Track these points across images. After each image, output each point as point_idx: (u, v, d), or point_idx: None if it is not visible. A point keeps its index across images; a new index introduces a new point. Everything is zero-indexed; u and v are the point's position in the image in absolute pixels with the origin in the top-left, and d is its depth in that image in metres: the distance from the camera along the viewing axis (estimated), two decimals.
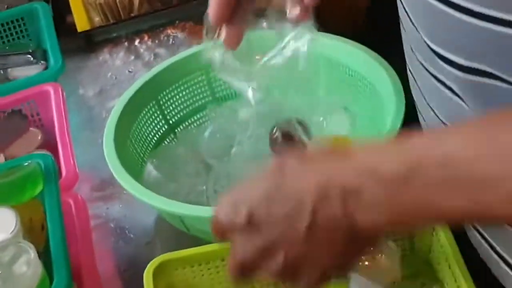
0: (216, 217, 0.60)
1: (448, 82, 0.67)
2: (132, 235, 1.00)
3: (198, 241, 0.92)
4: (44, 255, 0.86)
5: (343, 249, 0.56)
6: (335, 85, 1.04)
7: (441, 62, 0.65)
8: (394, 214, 0.52)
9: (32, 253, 0.79)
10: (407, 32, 0.72)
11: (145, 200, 0.87)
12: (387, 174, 0.51)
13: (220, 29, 0.74)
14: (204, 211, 0.84)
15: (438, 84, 0.68)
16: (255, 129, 1.02)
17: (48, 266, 0.83)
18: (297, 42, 0.76)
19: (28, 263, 0.78)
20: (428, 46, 0.66)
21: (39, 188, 0.89)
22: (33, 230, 0.90)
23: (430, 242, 0.83)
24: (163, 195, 0.91)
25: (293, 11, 0.72)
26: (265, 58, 0.78)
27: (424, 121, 0.78)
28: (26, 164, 0.90)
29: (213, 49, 0.77)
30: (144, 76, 1.05)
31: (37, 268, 0.79)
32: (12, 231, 0.82)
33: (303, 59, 0.77)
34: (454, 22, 0.60)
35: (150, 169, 0.97)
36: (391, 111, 0.91)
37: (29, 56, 1.22)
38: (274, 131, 0.95)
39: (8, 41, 1.32)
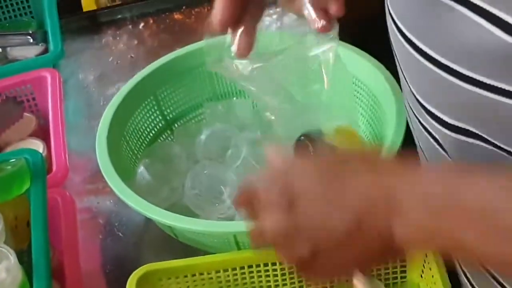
0: (253, 185, 0.58)
1: (433, 133, 0.65)
2: (120, 234, 0.98)
3: (187, 247, 0.91)
4: (28, 253, 0.85)
5: (372, 256, 0.56)
6: (338, 93, 1.01)
7: (427, 115, 0.63)
8: (431, 235, 0.52)
9: (12, 259, 0.78)
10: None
11: (133, 207, 0.85)
12: (432, 196, 0.51)
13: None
14: (193, 223, 0.82)
15: (425, 133, 0.66)
16: (253, 132, 1.00)
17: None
18: (320, 50, 0.73)
19: (7, 270, 0.76)
20: (415, 97, 0.63)
21: (26, 186, 0.87)
22: (18, 228, 0.88)
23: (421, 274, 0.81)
24: (154, 198, 0.90)
25: (318, 21, 0.68)
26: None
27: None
28: (14, 160, 0.87)
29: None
30: (143, 70, 1.03)
31: (17, 274, 0.77)
32: None
33: (328, 68, 0.74)
34: (441, 81, 0.57)
35: (142, 170, 0.95)
36: (393, 125, 0.88)
37: (29, 37, 1.19)
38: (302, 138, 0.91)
39: (10, 17, 1.30)
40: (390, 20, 0.66)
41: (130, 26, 1.33)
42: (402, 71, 0.67)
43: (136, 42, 1.29)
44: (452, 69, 0.57)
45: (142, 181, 0.94)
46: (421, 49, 0.60)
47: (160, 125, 1.04)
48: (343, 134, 0.90)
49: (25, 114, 1.09)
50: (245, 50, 0.69)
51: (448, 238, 0.51)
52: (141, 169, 0.95)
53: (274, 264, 0.82)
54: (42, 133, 1.07)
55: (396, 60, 0.69)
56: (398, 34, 0.64)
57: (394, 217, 0.52)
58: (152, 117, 1.03)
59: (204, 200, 0.92)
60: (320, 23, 0.68)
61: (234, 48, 0.70)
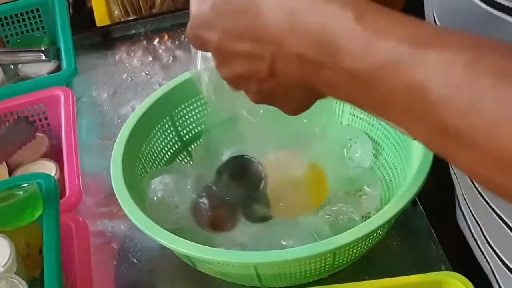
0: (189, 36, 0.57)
1: None
2: (135, 260, 0.94)
3: (204, 275, 0.87)
4: (41, 282, 0.82)
5: (308, 98, 0.55)
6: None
7: None
8: (355, 101, 0.50)
9: None
10: None
11: (150, 235, 0.81)
12: (356, 69, 0.46)
13: None
14: (212, 253, 0.79)
15: None
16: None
17: None
18: None
19: None
20: None
21: (39, 213, 0.84)
22: (30, 255, 0.85)
23: None
24: (167, 219, 0.88)
25: None
26: None
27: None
28: (26, 185, 0.85)
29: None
30: (159, 90, 0.99)
31: None
32: (5, 264, 0.77)
33: None
34: None
35: (155, 187, 0.91)
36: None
37: (41, 54, 1.17)
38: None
39: (22, 32, 1.27)
40: None
41: (144, 42, 1.30)
42: None
43: (150, 58, 1.27)
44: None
45: (153, 199, 0.91)
46: None
47: (176, 146, 1.01)
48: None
49: (38, 134, 1.06)
50: None
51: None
52: (154, 185, 0.91)
53: None
54: (55, 153, 1.05)
55: None
56: None
57: (308, 69, 0.49)
58: (168, 138, 1.00)
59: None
60: None
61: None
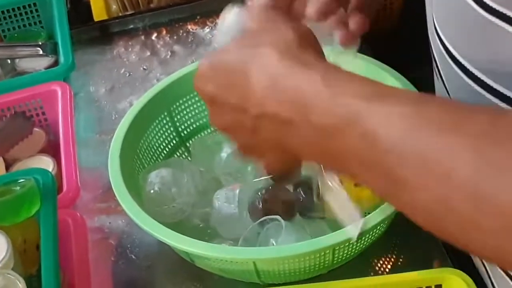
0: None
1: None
2: (133, 256, 0.94)
3: (202, 271, 0.87)
4: (38, 278, 0.81)
5: (284, 158, 0.59)
6: None
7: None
8: (321, 156, 0.53)
9: (21, 286, 0.74)
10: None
11: (149, 231, 0.81)
12: (321, 123, 0.50)
13: None
14: (211, 249, 0.78)
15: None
16: None
17: None
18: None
19: None
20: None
21: (36, 208, 0.83)
22: (27, 252, 0.85)
23: None
24: (164, 213, 0.88)
25: (339, 34, 0.69)
26: None
27: None
28: (23, 180, 0.84)
29: None
30: (157, 86, 0.99)
31: None
32: (2, 260, 0.77)
33: None
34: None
35: (152, 180, 0.91)
36: None
37: (39, 48, 1.16)
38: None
39: (19, 27, 1.26)
40: (438, 41, 0.65)
41: (142, 37, 1.29)
42: (449, 93, 0.65)
43: (148, 53, 1.26)
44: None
45: (150, 192, 0.90)
46: (471, 72, 0.59)
47: (174, 141, 1.01)
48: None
49: (35, 129, 1.05)
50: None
51: (333, 160, 0.51)
52: (151, 178, 0.91)
53: None
54: (52, 149, 1.04)
55: (441, 81, 0.67)
56: (446, 56, 0.63)
57: (283, 129, 0.53)
58: (166, 133, 0.99)
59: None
60: (342, 35, 0.69)
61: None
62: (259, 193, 0.87)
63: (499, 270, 0.69)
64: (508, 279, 0.68)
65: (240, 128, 0.57)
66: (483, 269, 0.74)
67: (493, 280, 0.72)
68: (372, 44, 1.00)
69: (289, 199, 0.88)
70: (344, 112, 0.48)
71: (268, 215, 0.85)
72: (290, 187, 0.89)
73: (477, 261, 0.76)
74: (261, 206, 0.86)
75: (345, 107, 0.48)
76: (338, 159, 0.50)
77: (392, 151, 0.45)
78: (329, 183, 0.75)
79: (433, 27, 0.66)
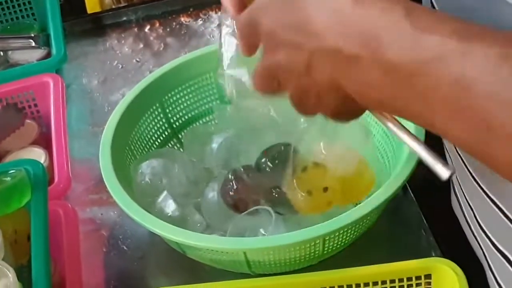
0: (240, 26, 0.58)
1: None
2: (125, 247, 0.94)
3: (194, 262, 0.87)
4: (28, 269, 0.81)
5: (346, 104, 0.53)
6: None
7: None
8: (391, 101, 0.48)
9: (11, 277, 0.74)
10: None
11: (140, 222, 0.81)
12: (400, 62, 0.45)
13: None
14: (201, 239, 0.78)
15: None
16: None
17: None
18: None
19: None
20: None
21: (26, 199, 0.83)
22: (18, 242, 0.85)
23: None
24: (155, 204, 0.88)
25: None
26: None
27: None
28: (14, 171, 0.84)
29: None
30: (149, 77, 0.98)
31: None
32: None
33: None
34: None
35: (143, 171, 0.91)
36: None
37: (31, 40, 1.16)
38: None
39: (12, 19, 1.26)
40: None
41: (135, 29, 1.29)
42: None
43: (141, 45, 1.26)
44: None
45: (141, 183, 0.90)
46: None
47: (166, 133, 1.01)
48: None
49: (27, 121, 1.05)
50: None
51: (405, 108, 0.47)
52: (142, 169, 0.90)
53: None
54: (44, 140, 1.04)
55: None
56: None
57: (340, 68, 0.49)
58: (158, 125, 0.99)
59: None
60: None
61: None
62: (230, 176, 0.87)
63: (496, 252, 0.69)
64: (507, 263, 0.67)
65: (293, 66, 0.52)
66: (481, 253, 0.73)
67: (491, 264, 0.72)
68: None
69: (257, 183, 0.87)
70: (432, 52, 0.43)
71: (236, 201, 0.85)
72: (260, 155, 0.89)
73: (475, 245, 0.75)
74: (232, 192, 0.86)
75: (434, 46, 0.43)
76: (415, 104, 0.46)
77: (490, 97, 0.41)
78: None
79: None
